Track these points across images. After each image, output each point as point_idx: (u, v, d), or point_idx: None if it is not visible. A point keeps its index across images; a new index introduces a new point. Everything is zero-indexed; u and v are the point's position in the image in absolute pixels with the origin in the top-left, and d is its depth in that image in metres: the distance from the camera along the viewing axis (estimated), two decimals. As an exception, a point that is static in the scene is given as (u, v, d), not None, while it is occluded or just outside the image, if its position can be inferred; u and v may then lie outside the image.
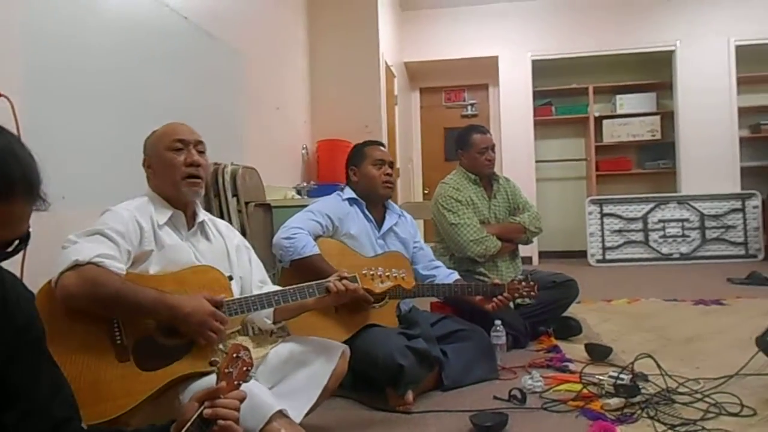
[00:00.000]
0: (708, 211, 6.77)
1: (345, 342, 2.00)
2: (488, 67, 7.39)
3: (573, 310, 3.45)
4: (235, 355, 1.18)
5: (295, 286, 1.76)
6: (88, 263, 1.43)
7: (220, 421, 1.05)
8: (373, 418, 2.17)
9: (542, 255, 7.27)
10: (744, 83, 6.93)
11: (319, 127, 5.53)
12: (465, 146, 3.39)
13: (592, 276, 5.80)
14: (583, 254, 7.00)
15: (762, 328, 2.28)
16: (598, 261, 6.88)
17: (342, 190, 2.73)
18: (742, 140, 6.93)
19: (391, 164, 2.69)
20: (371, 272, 1.97)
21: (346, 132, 5.16)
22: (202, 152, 1.77)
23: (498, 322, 2.72)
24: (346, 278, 1.83)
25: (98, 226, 1.54)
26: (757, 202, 6.71)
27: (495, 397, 2.27)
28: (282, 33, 4.93)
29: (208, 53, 3.45)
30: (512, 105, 7.28)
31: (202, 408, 1.06)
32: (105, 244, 1.50)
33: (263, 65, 4.34)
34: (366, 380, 2.31)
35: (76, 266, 1.42)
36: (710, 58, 6.90)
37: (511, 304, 3.08)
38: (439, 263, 2.86)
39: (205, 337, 1.50)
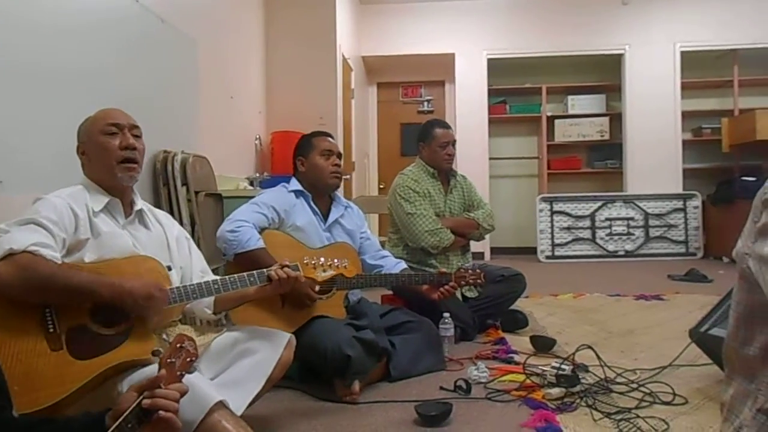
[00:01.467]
0: (652, 210, 7.02)
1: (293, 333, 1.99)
2: (445, 63, 7.46)
3: (520, 304, 3.54)
4: (178, 345, 1.15)
5: (236, 274, 1.72)
6: (23, 252, 1.38)
7: (160, 412, 1.03)
8: (320, 408, 2.17)
9: (494, 251, 7.39)
10: (688, 88, 7.21)
11: (273, 118, 5.47)
12: (426, 139, 3.42)
13: (541, 271, 5.93)
14: (533, 251, 7.16)
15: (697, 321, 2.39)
16: (548, 257, 7.05)
17: (288, 182, 2.70)
18: (684, 143, 7.22)
19: (339, 155, 2.67)
20: (313, 261, 1.97)
21: (301, 124, 5.11)
22: (137, 137, 1.71)
23: (447, 314, 2.76)
24: (287, 266, 1.79)
25: (31, 215, 1.48)
26: (697, 202, 7.00)
27: (441, 388, 2.31)
28: (237, 21, 4.85)
29: (159, 38, 3.37)
30: (468, 102, 7.37)
31: (140, 398, 1.04)
32: (39, 232, 1.45)
33: (217, 53, 4.26)
34: (313, 371, 2.32)
35: (11, 255, 1.37)
36: (657, 62, 7.15)
37: (460, 297, 3.14)
38: (386, 253, 2.87)
39: (150, 308, 1.48)
